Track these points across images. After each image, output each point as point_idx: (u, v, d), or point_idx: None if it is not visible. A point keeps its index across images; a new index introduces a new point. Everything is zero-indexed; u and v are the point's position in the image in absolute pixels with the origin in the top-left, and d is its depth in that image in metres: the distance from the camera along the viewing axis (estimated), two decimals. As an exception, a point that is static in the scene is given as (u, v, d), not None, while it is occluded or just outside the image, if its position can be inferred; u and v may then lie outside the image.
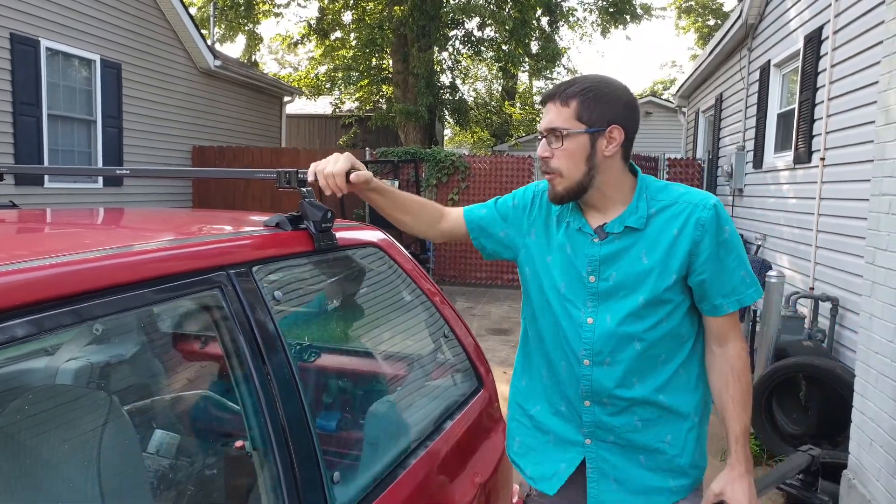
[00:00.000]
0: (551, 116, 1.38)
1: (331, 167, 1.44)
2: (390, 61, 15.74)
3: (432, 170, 10.35)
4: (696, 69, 10.80)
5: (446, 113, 17.08)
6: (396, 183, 9.52)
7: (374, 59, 16.17)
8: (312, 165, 1.49)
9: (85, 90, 8.43)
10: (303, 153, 10.81)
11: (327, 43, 16.28)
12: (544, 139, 1.40)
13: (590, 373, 1.42)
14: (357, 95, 16.87)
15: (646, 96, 20.42)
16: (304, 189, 1.55)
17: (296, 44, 16.42)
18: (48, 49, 7.73)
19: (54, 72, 7.89)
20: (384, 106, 15.95)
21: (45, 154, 7.70)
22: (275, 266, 1.43)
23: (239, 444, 1.71)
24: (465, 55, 17.24)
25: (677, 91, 13.16)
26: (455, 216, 1.63)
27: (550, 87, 1.61)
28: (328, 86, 16.73)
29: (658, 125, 18.44)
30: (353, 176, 1.47)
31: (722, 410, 1.43)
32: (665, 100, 19.27)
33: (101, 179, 8.76)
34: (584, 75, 1.41)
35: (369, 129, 16.22)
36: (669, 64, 48.99)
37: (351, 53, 16.19)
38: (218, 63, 10.80)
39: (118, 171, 1.75)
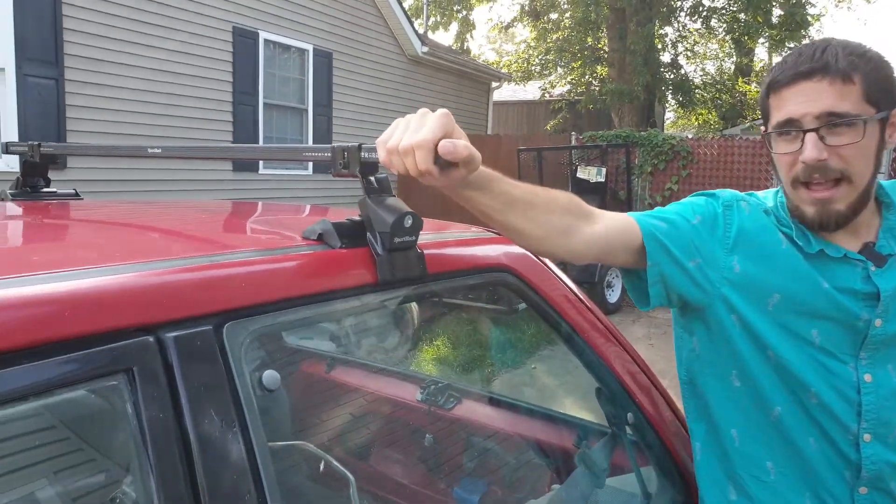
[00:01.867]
0: (829, 100, 0.96)
1: (409, 136, 0.81)
2: (605, 40, 14.60)
3: (647, 155, 9.18)
4: None
5: (668, 93, 15.44)
6: (604, 171, 8.54)
7: (588, 39, 15.12)
8: (383, 136, 0.85)
9: (298, 79, 8.70)
10: (504, 139, 10.29)
11: (539, 23, 15.55)
12: (810, 134, 0.97)
13: (873, 452, 1.04)
14: (569, 78, 15.93)
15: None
16: (370, 178, 0.89)
17: (506, 27, 15.96)
18: (266, 40, 8.05)
19: (270, 62, 8.21)
20: (597, 88, 14.85)
21: (260, 141, 8.05)
22: (283, 319, 0.77)
23: None
24: (691, 30, 15.41)
25: (979, 55, 10.30)
26: (616, 222, 1.04)
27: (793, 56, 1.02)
28: (538, 70, 16.00)
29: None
30: (443, 145, 0.78)
31: None
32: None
33: (310, 166, 9.02)
34: (834, 40, 1.00)
35: (579, 114, 15.22)
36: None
37: (564, 34, 15.31)
38: (425, 49, 10.68)
39: (150, 151, 1.24)
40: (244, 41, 7.75)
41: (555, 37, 15.66)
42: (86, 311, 0.60)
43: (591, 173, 8.49)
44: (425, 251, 0.92)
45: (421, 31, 12.74)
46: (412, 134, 0.81)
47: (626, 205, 8.75)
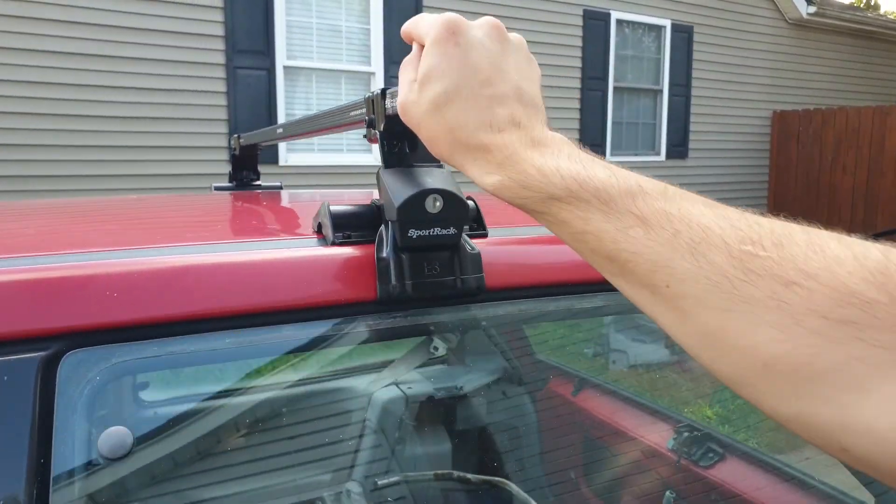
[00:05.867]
0: None
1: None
2: None
3: None
4: None
5: None
6: None
7: None
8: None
9: (652, 59, 8.13)
10: (922, 111, 7.99)
11: None
12: None
13: None
14: None
15: None
16: (396, 142, 0.58)
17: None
18: (618, 20, 7.69)
19: (622, 43, 7.82)
20: None
21: (608, 127, 7.73)
22: (180, 349, 0.49)
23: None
24: None
25: None
26: None
27: None
28: None
29: None
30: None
31: None
32: None
33: (663, 151, 8.38)
34: None
35: None
36: None
37: None
38: (812, 10, 8.97)
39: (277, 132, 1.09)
40: (595, 24, 7.52)
41: None
42: None
43: None
44: (495, 250, 0.54)
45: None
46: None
47: None
